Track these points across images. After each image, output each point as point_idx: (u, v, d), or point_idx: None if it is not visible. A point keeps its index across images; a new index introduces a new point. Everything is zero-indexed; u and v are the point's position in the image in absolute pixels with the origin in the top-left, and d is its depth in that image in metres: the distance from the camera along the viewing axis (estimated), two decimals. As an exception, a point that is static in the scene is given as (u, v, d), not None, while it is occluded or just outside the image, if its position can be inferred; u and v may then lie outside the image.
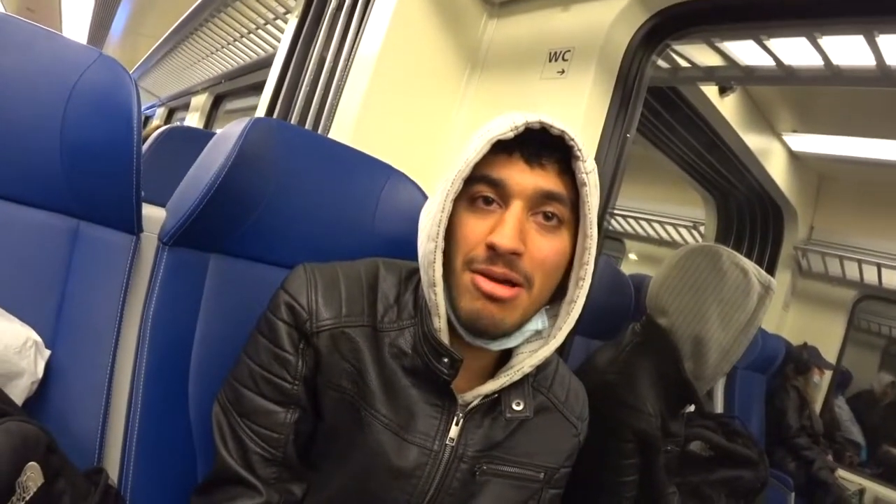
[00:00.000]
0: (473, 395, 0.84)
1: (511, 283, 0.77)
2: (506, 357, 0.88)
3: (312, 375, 0.85)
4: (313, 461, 0.89)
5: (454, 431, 0.85)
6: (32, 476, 0.59)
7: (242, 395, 0.86)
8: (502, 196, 0.78)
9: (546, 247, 0.78)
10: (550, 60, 1.66)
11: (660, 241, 5.51)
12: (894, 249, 3.88)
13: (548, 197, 0.77)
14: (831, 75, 2.21)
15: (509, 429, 0.90)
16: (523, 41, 1.80)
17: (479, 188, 0.78)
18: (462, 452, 0.86)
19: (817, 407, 4.17)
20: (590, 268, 0.80)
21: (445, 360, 0.81)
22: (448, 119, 1.88)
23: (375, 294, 0.89)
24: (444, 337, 0.81)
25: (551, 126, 0.75)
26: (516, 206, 0.76)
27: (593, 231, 0.78)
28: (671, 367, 1.34)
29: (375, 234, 1.11)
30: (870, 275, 4.10)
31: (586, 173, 0.76)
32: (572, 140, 0.76)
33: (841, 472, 3.74)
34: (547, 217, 0.78)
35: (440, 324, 0.80)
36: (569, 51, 1.63)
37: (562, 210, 0.78)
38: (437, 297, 0.79)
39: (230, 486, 0.84)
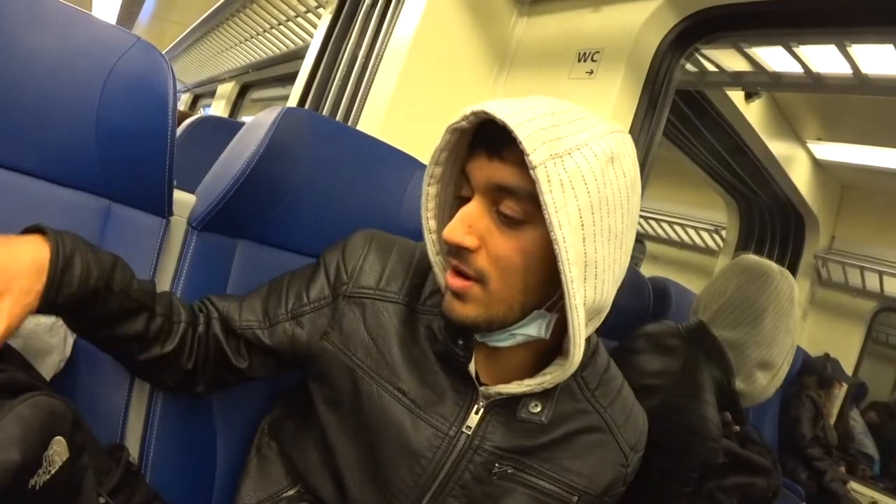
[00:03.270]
0: (496, 390, 0.81)
1: (465, 276, 0.75)
2: (548, 360, 0.82)
3: (316, 337, 0.89)
4: (320, 425, 0.90)
5: (473, 420, 0.83)
6: (58, 451, 0.60)
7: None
8: (472, 191, 0.75)
9: (502, 245, 0.73)
10: (579, 60, 1.66)
11: (681, 244, 5.47)
12: (916, 262, 3.84)
13: (502, 190, 0.72)
14: (859, 84, 2.19)
15: (547, 437, 0.85)
16: (553, 40, 1.80)
17: (461, 184, 0.78)
18: (479, 444, 0.83)
19: (832, 419, 4.14)
20: (569, 273, 0.67)
21: (461, 341, 0.81)
22: (474, 115, 1.83)
23: (425, 276, 0.90)
24: None
25: (493, 116, 0.68)
26: (475, 200, 0.74)
27: (560, 234, 0.66)
28: (725, 380, 1.32)
29: (402, 226, 1.12)
30: (890, 286, 4.06)
31: (533, 167, 0.65)
32: (513, 131, 0.66)
33: (853, 485, 3.71)
34: (502, 213, 0.72)
35: None
36: (598, 51, 1.62)
37: (521, 206, 0.71)
38: None
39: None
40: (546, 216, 0.66)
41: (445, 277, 0.77)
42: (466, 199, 0.76)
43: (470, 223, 0.73)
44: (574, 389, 0.89)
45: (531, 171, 0.65)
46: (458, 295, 0.76)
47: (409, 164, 1.17)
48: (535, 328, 0.78)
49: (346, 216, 1.08)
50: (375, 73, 1.81)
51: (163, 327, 0.82)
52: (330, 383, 0.88)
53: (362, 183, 1.10)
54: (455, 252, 0.74)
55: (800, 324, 1.36)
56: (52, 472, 0.58)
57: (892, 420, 4.90)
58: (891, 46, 1.84)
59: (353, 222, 1.06)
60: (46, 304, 0.65)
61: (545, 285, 0.75)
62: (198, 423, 0.97)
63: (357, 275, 0.88)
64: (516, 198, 0.71)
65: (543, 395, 0.84)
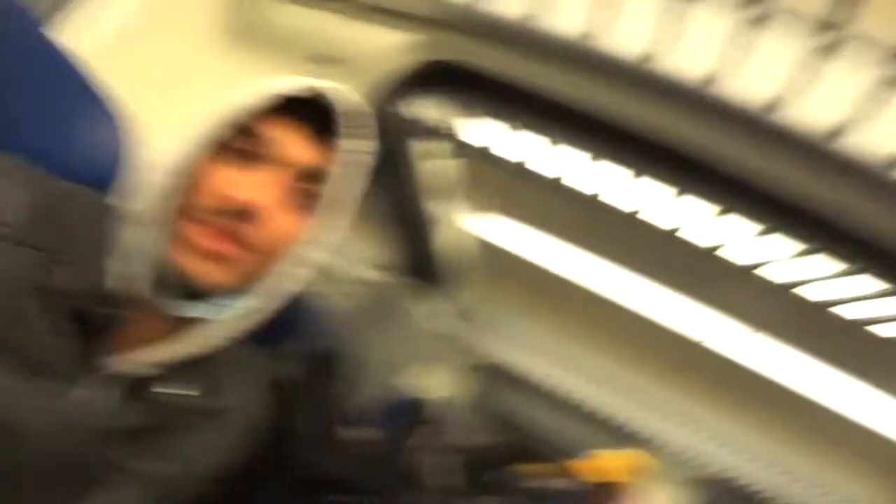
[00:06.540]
0: (133, 361, 0.70)
1: (237, 241, 0.68)
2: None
3: None
4: None
5: (86, 395, 0.68)
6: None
7: None
8: (268, 157, 0.70)
9: (285, 220, 0.71)
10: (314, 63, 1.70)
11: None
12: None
13: (314, 174, 0.73)
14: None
15: (164, 419, 0.76)
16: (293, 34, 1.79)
17: (243, 140, 0.70)
18: (94, 424, 0.69)
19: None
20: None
21: (104, 312, 0.68)
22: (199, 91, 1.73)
23: (54, 217, 0.70)
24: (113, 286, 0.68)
25: (334, 97, 0.72)
26: (278, 171, 0.70)
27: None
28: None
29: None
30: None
31: (349, 150, 0.73)
32: (342, 107, 0.72)
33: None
34: (307, 195, 0.72)
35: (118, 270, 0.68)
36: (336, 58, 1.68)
37: (319, 190, 0.74)
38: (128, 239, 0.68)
39: None
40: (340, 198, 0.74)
41: (202, 241, 0.67)
42: (243, 153, 0.70)
43: (271, 193, 0.69)
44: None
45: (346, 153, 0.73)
46: (221, 259, 0.67)
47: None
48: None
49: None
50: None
51: None
52: None
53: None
54: (240, 215, 0.66)
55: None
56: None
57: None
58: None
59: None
60: None
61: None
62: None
63: None
64: (320, 182, 0.73)
65: (186, 373, 0.75)
